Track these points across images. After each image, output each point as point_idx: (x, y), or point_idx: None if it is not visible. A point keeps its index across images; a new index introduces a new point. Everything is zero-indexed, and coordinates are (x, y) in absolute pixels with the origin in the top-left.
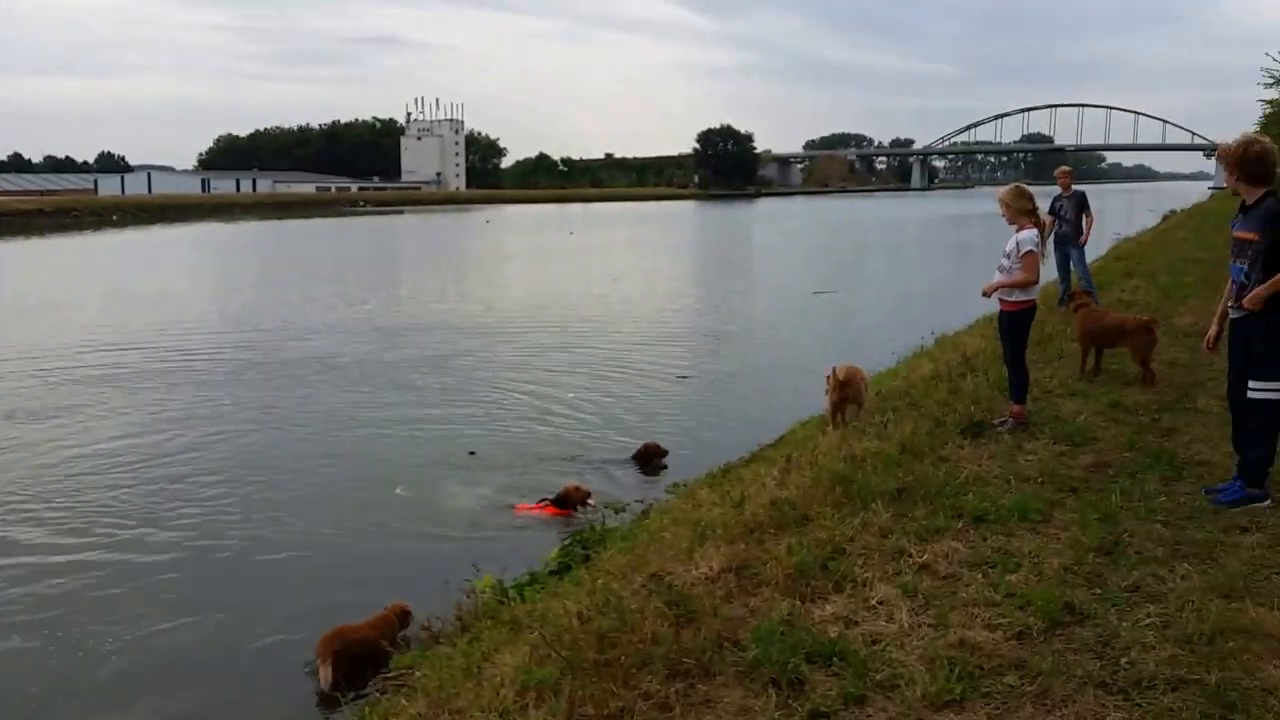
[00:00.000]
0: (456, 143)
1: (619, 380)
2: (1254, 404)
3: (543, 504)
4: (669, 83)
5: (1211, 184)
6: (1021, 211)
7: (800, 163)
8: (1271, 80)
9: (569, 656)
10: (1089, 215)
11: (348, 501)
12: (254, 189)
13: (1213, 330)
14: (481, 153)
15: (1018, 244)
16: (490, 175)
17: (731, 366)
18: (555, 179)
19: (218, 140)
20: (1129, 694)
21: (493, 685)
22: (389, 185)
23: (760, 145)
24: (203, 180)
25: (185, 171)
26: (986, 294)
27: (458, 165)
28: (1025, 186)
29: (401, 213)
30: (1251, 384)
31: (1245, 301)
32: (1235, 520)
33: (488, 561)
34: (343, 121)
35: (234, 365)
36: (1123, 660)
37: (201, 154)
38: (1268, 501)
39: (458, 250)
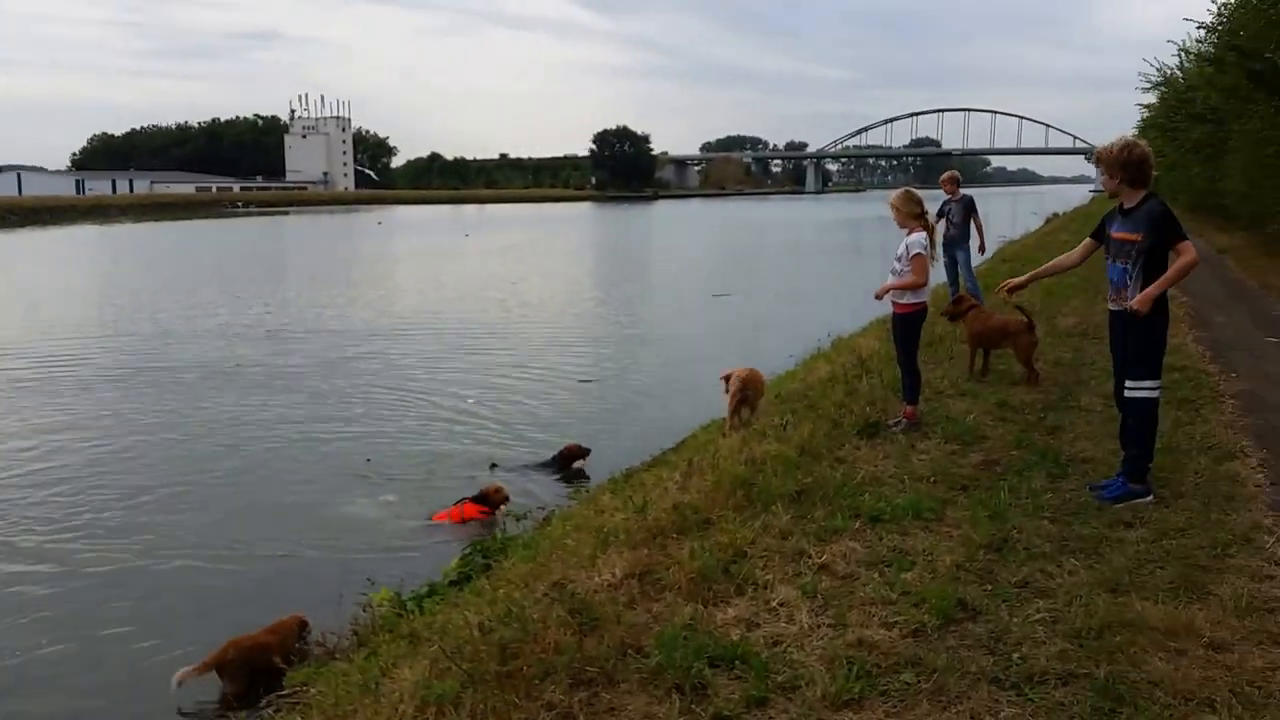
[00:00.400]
0: (344, 141)
1: (520, 385)
2: (1130, 402)
3: (461, 504)
4: (565, 82)
5: (1092, 187)
6: (911, 215)
7: (697, 165)
8: (1149, 85)
9: (470, 669)
10: (977, 219)
11: (238, 514)
12: (131, 190)
13: (1020, 279)
14: (371, 151)
15: (907, 247)
16: (380, 175)
17: (633, 370)
18: (449, 179)
19: (92, 139)
20: (1021, 689)
21: (391, 701)
22: (273, 185)
23: (657, 147)
24: (77, 181)
25: (58, 172)
26: (879, 297)
27: (345, 164)
28: (914, 191)
29: (287, 213)
30: (1128, 383)
31: (1135, 303)
32: (1119, 516)
33: (385, 574)
34: (223, 119)
35: (117, 373)
36: (1014, 655)
37: (75, 154)
38: (1150, 497)
39: (350, 252)
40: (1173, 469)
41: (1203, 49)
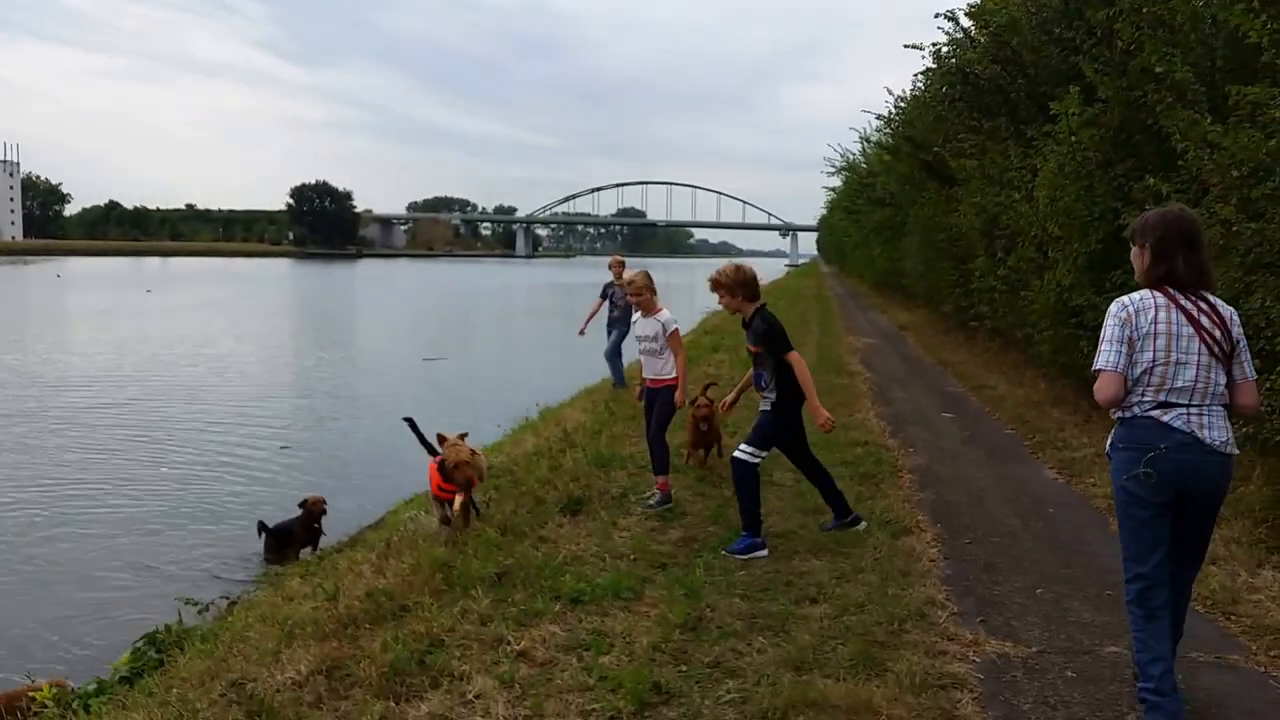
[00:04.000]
0: (11, 186)
1: (212, 451)
2: (733, 461)
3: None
4: (258, 133)
5: (787, 261)
6: (654, 294)
7: (404, 224)
8: (833, 169)
9: None
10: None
11: None
12: None
13: (730, 397)
14: (41, 198)
15: (663, 326)
16: (52, 223)
17: (337, 438)
18: (128, 229)
19: None
20: None
21: None
22: None
23: (361, 204)
24: None
25: None
26: (679, 405)
27: (13, 211)
28: (648, 273)
29: None
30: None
31: (821, 424)
32: (805, 592)
33: (50, 666)
34: None
35: None
36: None
37: None
38: (764, 550)
39: (19, 308)
40: (854, 544)
41: (881, 138)
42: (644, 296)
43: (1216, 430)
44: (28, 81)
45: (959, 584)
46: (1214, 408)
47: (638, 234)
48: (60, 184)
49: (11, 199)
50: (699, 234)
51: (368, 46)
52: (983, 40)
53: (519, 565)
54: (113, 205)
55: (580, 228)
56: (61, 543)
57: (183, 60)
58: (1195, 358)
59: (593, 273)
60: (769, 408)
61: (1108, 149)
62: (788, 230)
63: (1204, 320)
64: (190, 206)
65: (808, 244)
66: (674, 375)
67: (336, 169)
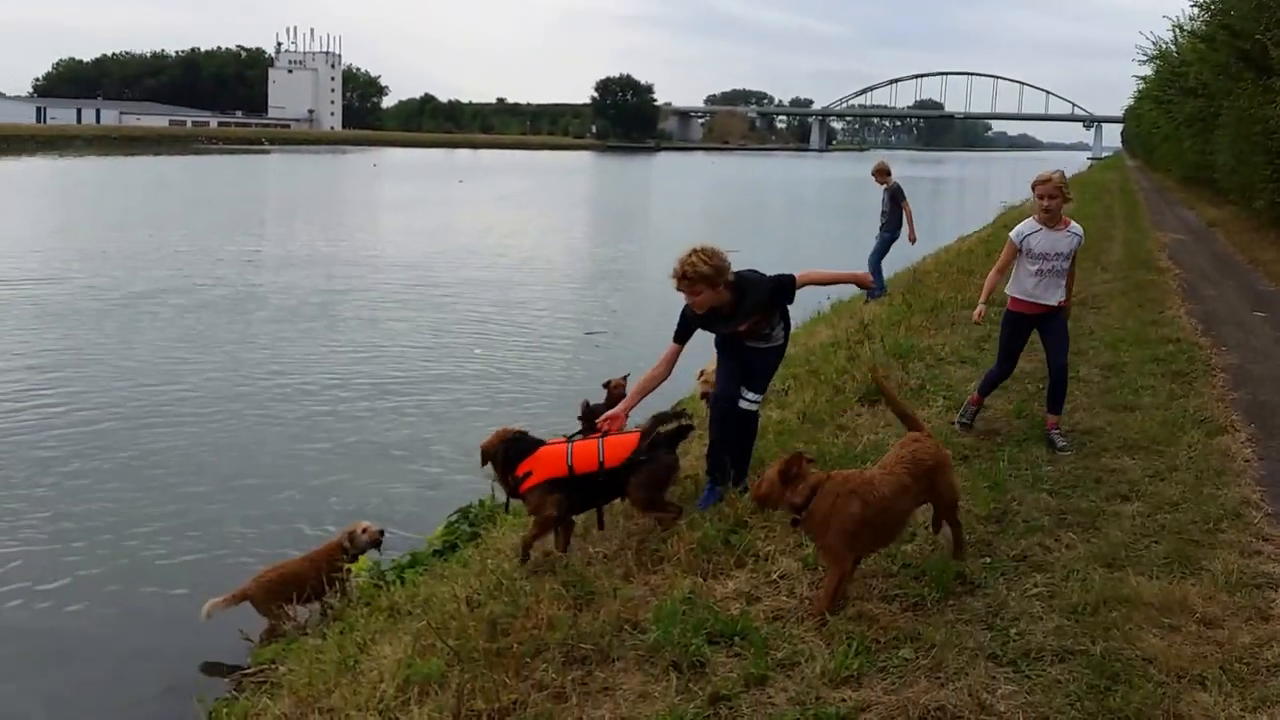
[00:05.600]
0: (332, 78)
1: (520, 339)
2: (743, 415)
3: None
4: (565, 29)
5: (1090, 154)
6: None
7: (701, 118)
8: (1144, 58)
9: (457, 646)
10: (906, 206)
11: (214, 462)
12: (98, 120)
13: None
14: (360, 90)
15: (1080, 239)
16: (370, 115)
17: (637, 324)
18: (441, 122)
19: (57, 65)
20: (1018, 665)
21: (370, 680)
22: (254, 121)
23: (661, 98)
24: (38, 109)
25: (18, 98)
26: (1065, 306)
27: (333, 103)
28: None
29: (268, 152)
30: (746, 395)
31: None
32: (1117, 489)
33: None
34: (203, 49)
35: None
36: (1012, 631)
37: (37, 79)
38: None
39: (340, 195)
40: (1168, 441)
41: (1196, 26)
42: (1056, 201)
43: None
44: None
45: (1275, 484)
46: None
47: (933, 127)
48: (379, 76)
49: (333, 90)
50: (997, 126)
51: None
52: None
53: (821, 453)
54: (428, 98)
55: (875, 121)
56: (374, 425)
57: None
58: None
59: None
60: (776, 346)
61: None
62: (1092, 122)
63: None
64: (501, 100)
65: (1112, 137)
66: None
67: (639, 63)
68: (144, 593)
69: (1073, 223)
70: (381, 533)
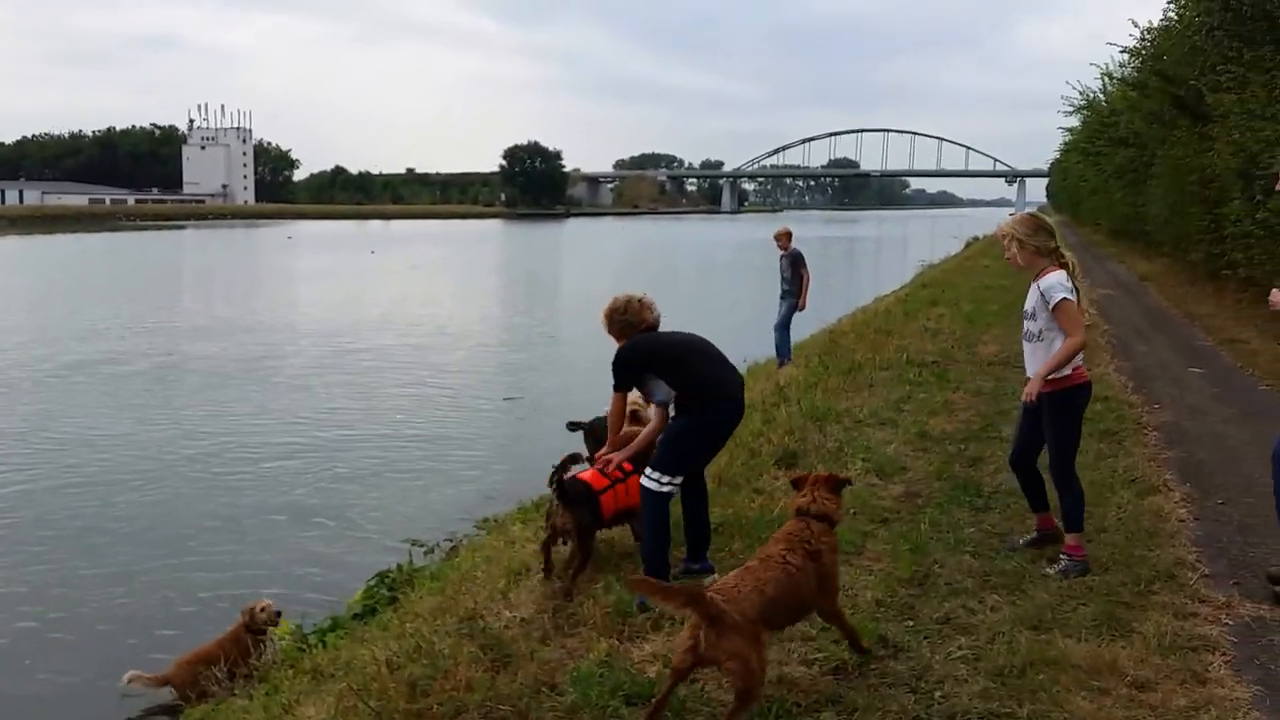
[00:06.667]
0: (245, 153)
1: (440, 403)
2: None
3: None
4: (474, 96)
5: (1012, 210)
6: (1043, 251)
7: (610, 182)
8: (1072, 108)
9: (378, 707)
10: (806, 273)
11: (143, 528)
12: (21, 200)
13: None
14: (272, 164)
15: (1043, 294)
16: (282, 188)
17: (552, 389)
18: (353, 194)
19: None
20: None
21: None
22: (170, 197)
23: (569, 163)
24: None
25: None
26: (1031, 398)
27: (246, 177)
28: (1042, 216)
29: (184, 227)
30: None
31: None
32: (1043, 551)
33: (286, 606)
34: (119, 128)
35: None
36: (936, 694)
37: None
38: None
39: (257, 268)
40: (1096, 502)
41: (1126, 73)
42: (1019, 252)
43: None
44: (264, 52)
45: (1210, 545)
46: None
47: (849, 186)
48: (290, 150)
49: (245, 165)
50: (916, 184)
51: (577, 3)
52: None
53: (736, 516)
54: (339, 170)
55: (788, 181)
56: (296, 491)
57: (401, 23)
58: None
59: (798, 226)
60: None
61: None
62: (1014, 177)
63: None
64: (410, 171)
65: (1036, 191)
66: (1078, 369)
67: (547, 129)
68: (67, 656)
69: (1050, 272)
70: (278, 613)
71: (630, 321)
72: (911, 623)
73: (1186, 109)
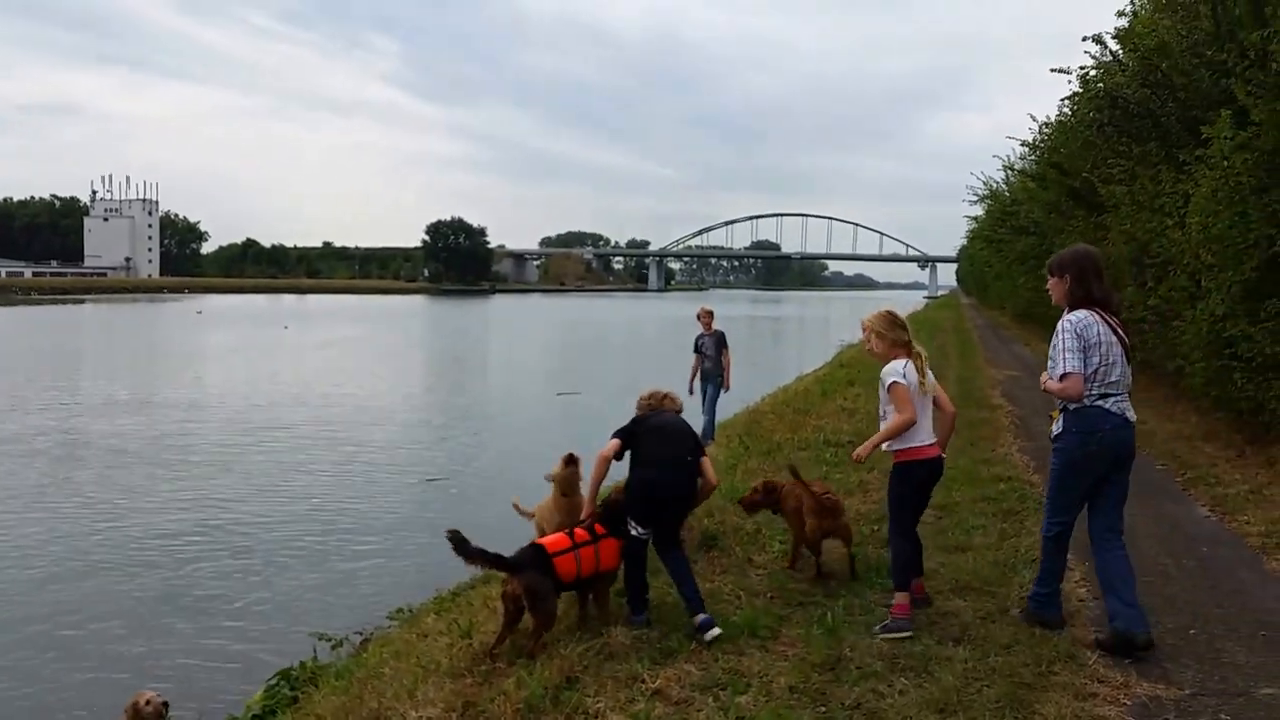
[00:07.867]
0: (150, 225)
1: (360, 481)
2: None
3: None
4: (394, 171)
5: (926, 293)
6: (896, 343)
7: (536, 260)
8: (975, 198)
9: None
10: (727, 355)
11: (41, 621)
12: None
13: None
14: (179, 236)
15: (880, 379)
16: (189, 261)
17: (478, 471)
18: (265, 267)
19: None
20: None
21: None
22: (69, 270)
23: (494, 240)
24: None
25: None
26: (860, 458)
27: (150, 250)
28: (896, 312)
29: (82, 301)
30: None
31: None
32: (949, 632)
33: (182, 706)
34: (15, 199)
35: None
36: None
37: None
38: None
39: (166, 345)
40: (999, 582)
41: (1026, 165)
42: (877, 343)
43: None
44: (170, 122)
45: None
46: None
47: (771, 267)
48: (199, 222)
49: (150, 237)
50: (834, 266)
51: (500, 83)
52: (1132, 64)
53: (655, 600)
54: (249, 243)
55: (713, 261)
56: (200, 577)
57: (316, 99)
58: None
59: (724, 305)
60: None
61: (1262, 174)
62: (926, 261)
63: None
64: (327, 244)
65: (947, 275)
66: (918, 444)
67: (470, 205)
68: None
69: (890, 361)
70: (165, 704)
71: None
72: (824, 709)
73: (1082, 200)
